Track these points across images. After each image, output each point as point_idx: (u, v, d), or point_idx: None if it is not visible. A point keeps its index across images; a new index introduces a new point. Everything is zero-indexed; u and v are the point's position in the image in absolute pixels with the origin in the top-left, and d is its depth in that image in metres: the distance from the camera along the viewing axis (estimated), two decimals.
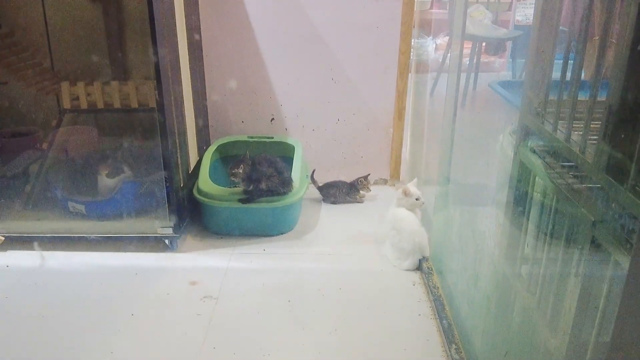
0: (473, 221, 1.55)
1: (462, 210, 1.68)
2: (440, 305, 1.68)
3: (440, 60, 3.01)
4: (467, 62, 2.62)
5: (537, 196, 1.19)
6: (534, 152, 1.20)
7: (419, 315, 1.69)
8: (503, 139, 1.46)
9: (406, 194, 1.96)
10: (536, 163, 1.17)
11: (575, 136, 1.04)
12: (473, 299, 1.52)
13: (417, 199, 1.97)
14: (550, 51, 1.15)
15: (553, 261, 1.10)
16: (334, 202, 2.53)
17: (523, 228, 1.24)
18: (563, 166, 1.08)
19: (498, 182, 1.41)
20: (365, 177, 2.54)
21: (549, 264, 1.12)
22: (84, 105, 2.13)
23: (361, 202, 2.54)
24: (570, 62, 1.07)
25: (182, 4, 2.10)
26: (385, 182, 2.75)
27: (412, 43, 2.53)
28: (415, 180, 2.02)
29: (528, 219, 1.22)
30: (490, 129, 1.54)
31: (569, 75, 1.08)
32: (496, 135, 1.48)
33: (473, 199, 1.60)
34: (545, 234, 1.13)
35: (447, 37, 3.31)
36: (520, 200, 1.25)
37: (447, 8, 3.41)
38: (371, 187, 2.62)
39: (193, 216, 2.27)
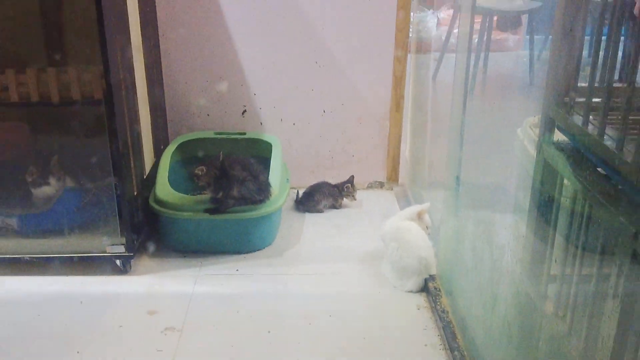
0: (489, 232, 1.55)
1: (475, 219, 1.68)
2: (450, 334, 1.69)
3: (444, 38, 3.03)
4: (476, 40, 2.63)
5: (565, 202, 1.19)
6: (561, 149, 1.20)
7: (425, 345, 1.70)
8: (523, 134, 1.47)
9: (420, 216, 2.02)
10: (563, 162, 1.17)
11: (611, 130, 1.05)
12: (490, 325, 1.53)
13: (427, 227, 2.04)
14: (579, 26, 1.15)
15: (587, 279, 1.10)
16: (320, 211, 2.53)
17: (550, 240, 1.24)
18: (596, 166, 1.08)
19: (518, 184, 1.42)
20: (352, 182, 2.54)
21: (582, 283, 1.12)
22: (14, 97, 2.09)
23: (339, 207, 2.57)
24: (604, 39, 1.07)
25: None
26: (381, 185, 2.75)
27: (411, 17, 2.54)
28: (428, 205, 2.05)
29: (555, 229, 1.22)
30: (508, 121, 1.55)
31: (602, 56, 1.09)
32: (514, 129, 1.49)
33: (489, 205, 1.61)
34: (577, 247, 1.14)
35: (451, 10, 3.33)
36: (545, 207, 1.26)
37: None
38: (364, 192, 2.61)
39: (150, 231, 2.25)
